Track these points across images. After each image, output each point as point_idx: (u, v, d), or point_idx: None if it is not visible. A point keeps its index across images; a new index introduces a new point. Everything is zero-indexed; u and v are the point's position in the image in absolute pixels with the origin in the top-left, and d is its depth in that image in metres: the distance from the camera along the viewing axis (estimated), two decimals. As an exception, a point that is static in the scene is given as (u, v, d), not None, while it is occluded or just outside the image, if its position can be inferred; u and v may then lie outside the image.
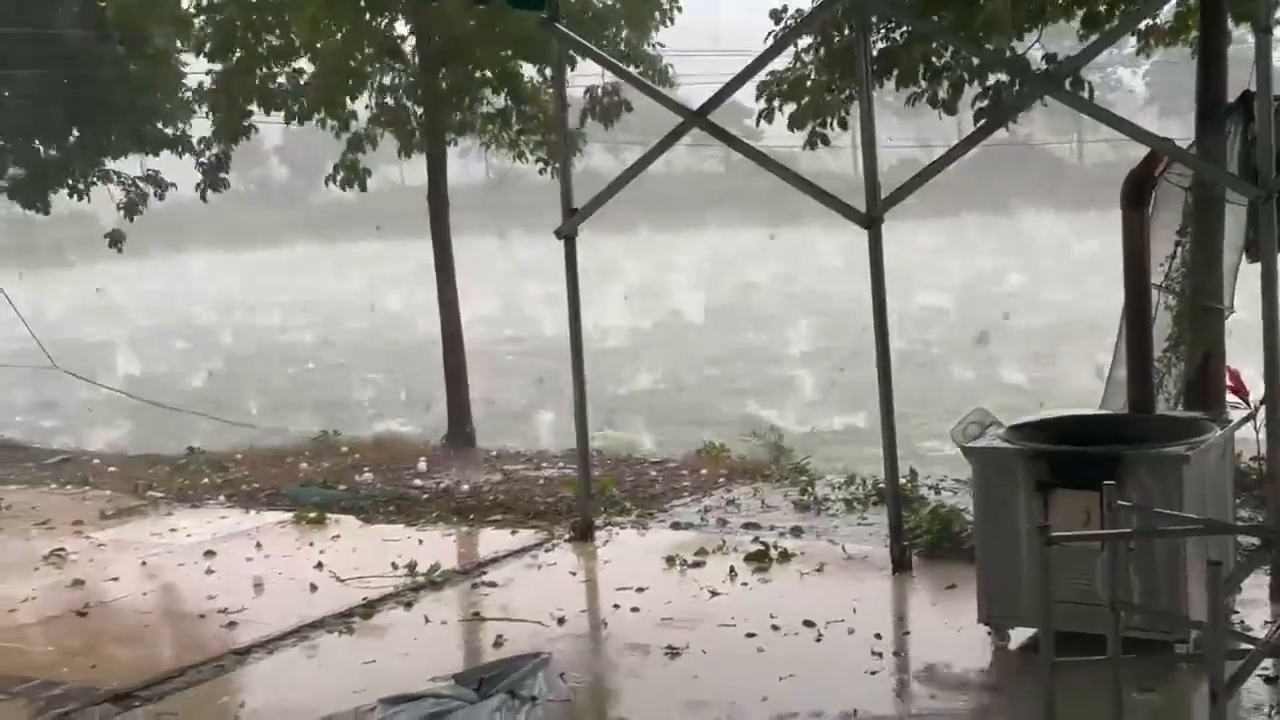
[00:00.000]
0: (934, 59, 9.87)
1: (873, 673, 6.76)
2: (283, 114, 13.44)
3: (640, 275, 43.42)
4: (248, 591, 8.66)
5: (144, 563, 9.49)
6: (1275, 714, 5.86)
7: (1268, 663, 5.98)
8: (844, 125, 10.17)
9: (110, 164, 16.25)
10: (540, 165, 14.36)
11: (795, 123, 10.28)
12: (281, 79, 13.45)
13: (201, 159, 14.91)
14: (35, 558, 9.72)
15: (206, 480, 12.28)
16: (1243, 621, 6.73)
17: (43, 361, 16.33)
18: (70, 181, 15.94)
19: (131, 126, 15.56)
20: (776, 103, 10.27)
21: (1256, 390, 7.88)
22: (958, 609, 7.45)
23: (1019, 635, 6.94)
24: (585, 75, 13.14)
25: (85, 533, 10.42)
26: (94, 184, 16.11)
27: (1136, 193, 7.23)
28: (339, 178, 14.04)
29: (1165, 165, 7.94)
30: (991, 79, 9.79)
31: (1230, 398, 8.63)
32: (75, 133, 15.67)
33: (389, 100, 13.70)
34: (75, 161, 15.90)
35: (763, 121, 10.42)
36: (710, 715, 6.31)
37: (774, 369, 25.76)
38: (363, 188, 14.12)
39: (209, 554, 9.59)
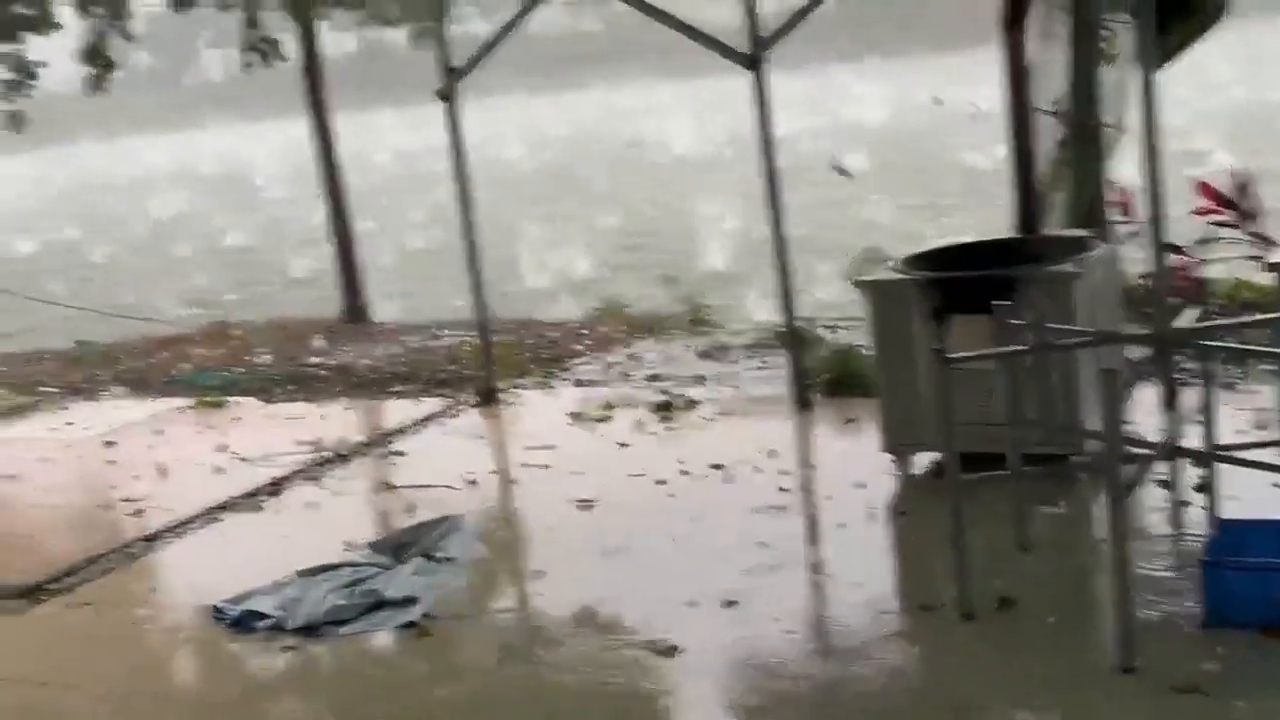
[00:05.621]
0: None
1: (781, 508, 6.87)
2: None
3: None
4: (152, 479, 8.55)
5: (43, 458, 9.33)
6: (1171, 514, 6.05)
7: (1163, 468, 6.16)
8: None
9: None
10: (411, 34, 14.03)
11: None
12: None
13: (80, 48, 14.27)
14: (-72, 461, 9.53)
15: (99, 372, 12.05)
16: (1137, 433, 6.92)
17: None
18: None
19: None
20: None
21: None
22: (860, 442, 7.58)
23: (921, 462, 7.09)
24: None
25: (-22, 433, 10.24)
26: None
27: (1013, 12, 7.22)
28: (252, 58, 13.61)
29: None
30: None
31: (1120, 215, 8.79)
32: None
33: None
34: None
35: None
36: (624, 561, 6.39)
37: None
38: (281, 57, 13.64)
39: (109, 444, 9.45)
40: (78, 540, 7.62)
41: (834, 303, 12.33)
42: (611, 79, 63.94)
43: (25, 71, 15.49)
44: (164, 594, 6.76)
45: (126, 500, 8.11)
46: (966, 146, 29.04)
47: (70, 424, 10.23)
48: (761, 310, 12.10)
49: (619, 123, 50.02)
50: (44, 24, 15.08)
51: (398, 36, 14.67)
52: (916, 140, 34.18)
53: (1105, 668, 4.78)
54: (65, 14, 14.91)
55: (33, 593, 6.75)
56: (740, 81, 8.60)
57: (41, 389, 11.60)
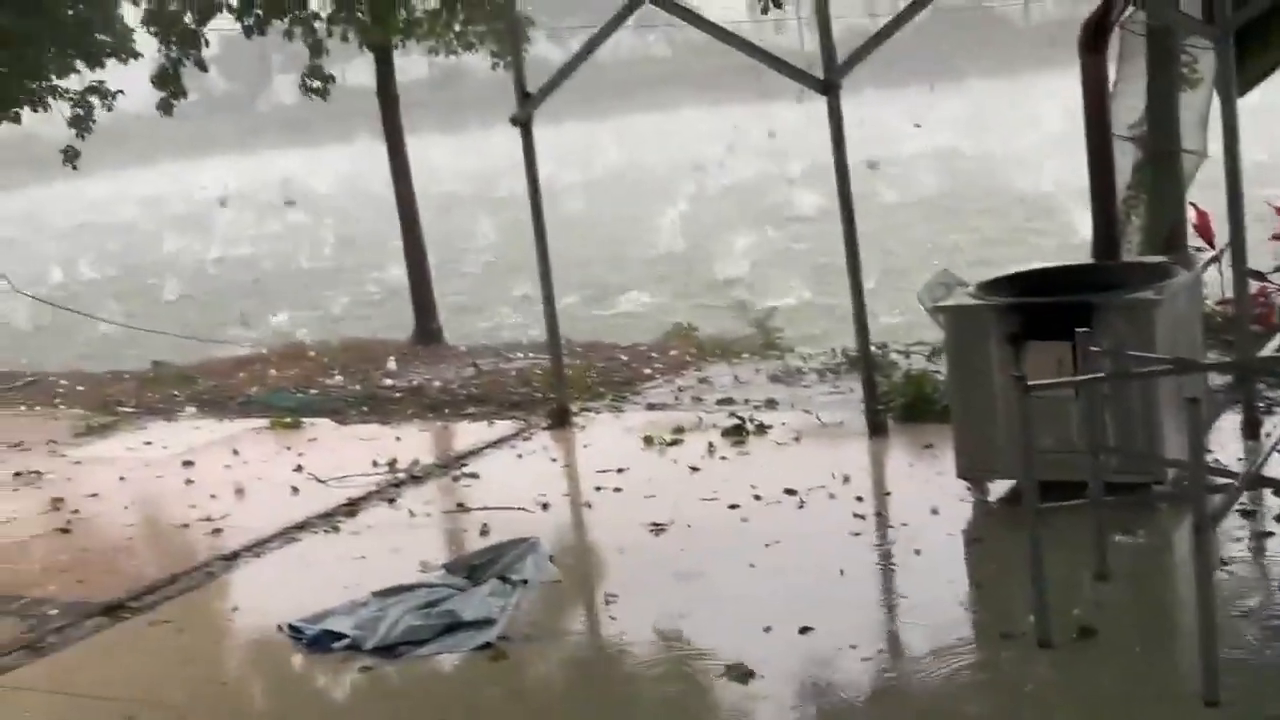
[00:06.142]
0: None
1: (856, 534, 6.84)
2: (238, 21, 13.07)
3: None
4: (230, 498, 8.66)
5: (122, 477, 9.45)
6: (1254, 544, 5.97)
7: (1244, 497, 6.08)
8: None
9: (55, 80, 15.78)
10: (490, 58, 14.17)
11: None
12: None
13: (153, 73, 14.49)
14: (12, 478, 9.68)
15: (176, 393, 12.22)
16: (1217, 460, 6.83)
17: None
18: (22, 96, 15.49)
19: (73, 39, 15.14)
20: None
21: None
22: (936, 468, 7.55)
23: (998, 489, 7.04)
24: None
25: (60, 451, 10.37)
26: (51, 102, 15.62)
27: (1094, 37, 7.19)
28: (311, 85, 13.79)
29: (1121, 10, 7.89)
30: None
31: (1198, 241, 8.72)
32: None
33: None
34: (16, 78, 15.43)
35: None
36: (698, 585, 6.38)
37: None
38: (323, 96, 13.84)
39: (187, 464, 9.58)
40: (158, 558, 7.74)
41: (896, 326, 12.29)
42: (677, 103, 64.09)
43: (104, 97, 15.70)
44: (243, 613, 6.84)
45: (205, 519, 8.20)
46: (1037, 170, 28.89)
47: (149, 443, 10.37)
48: (833, 334, 12.08)
49: (683, 147, 50.06)
50: (124, 52, 15.31)
51: (471, 62, 14.78)
52: (985, 163, 33.98)
53: (1189, 700, 4.72)
54: (144, 39, 15.15)
55: (115, 610, 6.85)
56: (803, 107, 8.60)
57: (120, 409, 11.78)
